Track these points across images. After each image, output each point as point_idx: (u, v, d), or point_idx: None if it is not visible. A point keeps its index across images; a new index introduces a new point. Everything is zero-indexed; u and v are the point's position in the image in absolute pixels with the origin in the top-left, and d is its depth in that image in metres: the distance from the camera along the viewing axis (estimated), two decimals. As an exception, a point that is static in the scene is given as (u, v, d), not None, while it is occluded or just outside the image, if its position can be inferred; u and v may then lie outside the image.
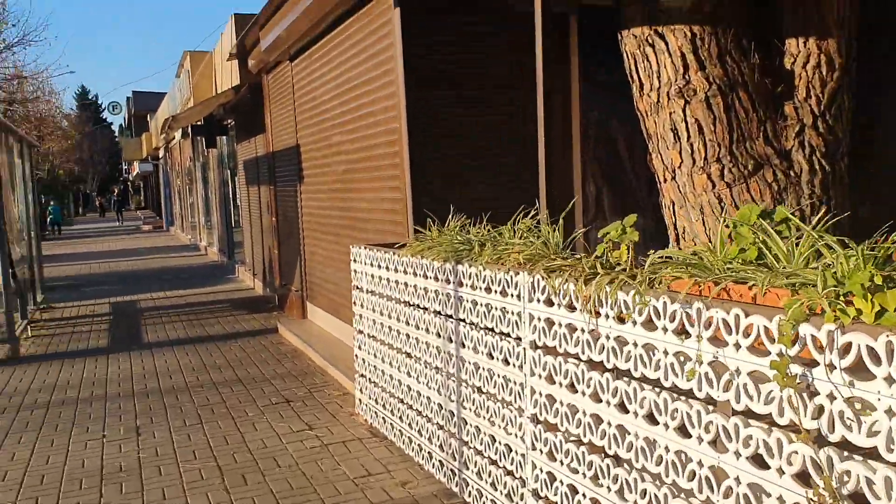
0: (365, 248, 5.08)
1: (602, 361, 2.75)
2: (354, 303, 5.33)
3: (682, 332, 2.40)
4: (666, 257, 2.69)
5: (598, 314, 2.75)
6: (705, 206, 4.63)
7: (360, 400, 5.41)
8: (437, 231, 4.33)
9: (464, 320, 3.76)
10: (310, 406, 5.83)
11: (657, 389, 2.51)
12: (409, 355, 4.46)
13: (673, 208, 4.80)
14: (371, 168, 6.34)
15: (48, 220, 34.18)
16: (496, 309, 3.43)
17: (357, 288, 5.26)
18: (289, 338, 8.38)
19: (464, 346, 3.78)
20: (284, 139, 9.46)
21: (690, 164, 4.58)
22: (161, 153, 34.34)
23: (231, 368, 7.20)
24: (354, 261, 5.27)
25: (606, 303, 2.69)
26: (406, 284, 4.41)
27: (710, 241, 4.88)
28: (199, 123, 13.52)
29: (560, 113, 5.02)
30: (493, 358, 3.50)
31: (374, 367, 5.03)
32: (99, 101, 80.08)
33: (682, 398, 2.41)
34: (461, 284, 3.77)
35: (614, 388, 2.70)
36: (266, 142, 10.52)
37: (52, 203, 35.19)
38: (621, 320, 2.65)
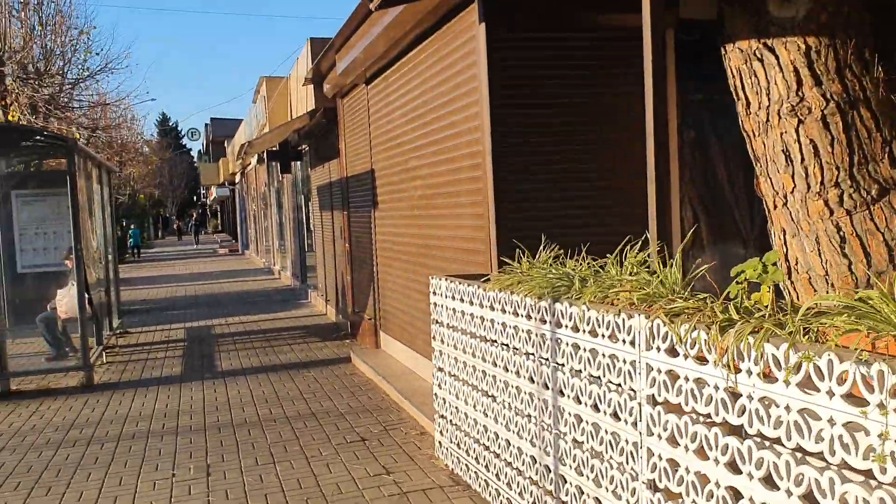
0: (446, 279, 4.73)
1: (742, 425, 2.31)
2: (434, 337, 4.98)
3: (851, 398, 1.95)
4: (816, 303, 2.25)
5: (737, 369, 2.31)
6: (821, 234, 4.11)
7: (440, 443, 5.04)
8: (527, 263, 3.95)
9: (562, 365, 3.36)
10: (386, 446, 5.48)
11: (820, 465, 2.06)
12: (496, 399, 4.07)
13: (784, 237, 4.29)
14: (450, 194, 6.02)
15: (129, 243, 35.26)
16: (604, 356, 3.01)
17: (437, 322, 4.92)
18: (362, 368, 8.09)
19: (562, 394, 3.37)
20: (358, 164, 9.27)
21: (805, 189, 4.08)
22: (237, 178, 35.05)
23: (304, 401, 6.94)
24: (434, 293, 4.93)
25: (749, 356, 2.25)
26: (493, 322, 4.04)
27: (827, 274, 4.36)
28: (274, 149, 13.54)
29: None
30: (598, 410, 3.08)
31: (456, 408, 4.65)
32: (179, 128, 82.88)
33: (858, 481, 1.94)
34: (559, 325, 3.37)
35: (759, 458, 2.25)
36: (340, 167, 10.36)
37: (132, 227, 36.29)
38: (767, 378, 2.21)
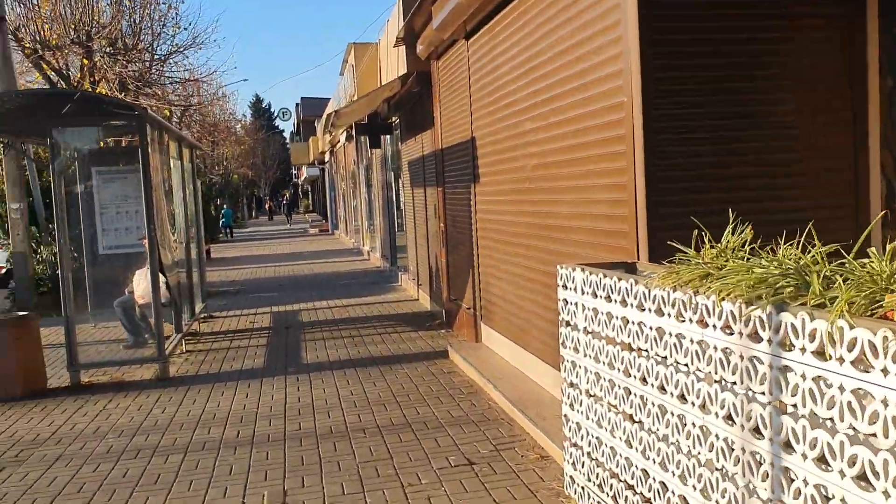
0: (582, 269, 3.61)
1: None
2: (563, 344, 3.88)
3: None
4: None
5: None
6: None
7: (571, 477, 3.96)
8: (711, 251, 2.80)
9: (793, 407, 2.21)
10: (499, 473, 4.44)
11: None
12: (665, 440, 2.95)
13: None
14: (577, 162, 4.87)
15: (221, 223, 35.52)
16: (888, 402, 1.85)
17: (568, 325, 3.81)
18: (462, 366, 7.08)
19: (790, 448, 2.23)
20: (455, 133, 8.21)
21: None
22: (326, 157, 34.71)
23: (397, 405, 5.99)
24: (564, 286, 3.83)
25: None
26: (661, 331, 2.91)
27: None
28: (362, 122, 12.65)
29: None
30: (869, 486, 1.92)
31: (598, 439, 3.55)
32: (271, 109, 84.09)
33: None
34: (786, 345, 2.22)
35: None
36: (433, 137, 9.34)
37: (225, 206, 36.55)
38: None
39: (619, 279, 3.24)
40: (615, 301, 3.28)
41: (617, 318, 3.27)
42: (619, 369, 3.29)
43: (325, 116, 28.08)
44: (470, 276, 7.94)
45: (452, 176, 8.56)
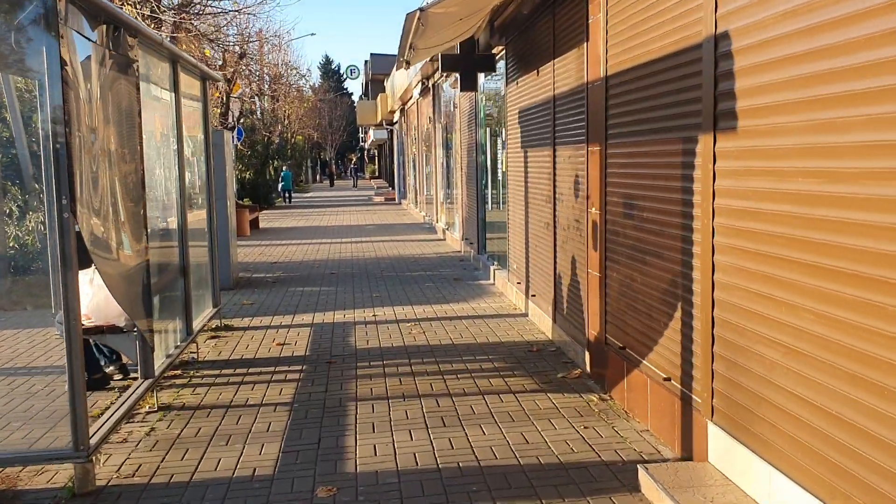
0: None
1: None
2: None
3: None
4: None
5: None
6: None
7: None
8: None
9: None
10: None
11: None
12: None
13: None
14: None
15: (280, 186, 32.40)
16: None
17: None
18: (679, 525, 3.31)
19: None
20: (654, 37, 4.36)
21: None
22: (396, 116, 31.07)
23: None
24: None
25: None
26: None
27: None
28: (452, 54, 8.88)
29: None
30: None
31: None
32: (340, 71, 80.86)
33: None
34: None
35: None
36: (583, 61, 5.52)
37: (284, 169, 33.38)
38: None
39: None
40: None
41: None
42: None
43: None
44: (680, 318, 4.11)
45: (631, 123, 4.72)
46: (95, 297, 5.01)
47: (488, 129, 10.39)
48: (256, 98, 32.55)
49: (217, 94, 21.76)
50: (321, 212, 26.64)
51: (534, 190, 7.48)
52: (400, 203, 30.27)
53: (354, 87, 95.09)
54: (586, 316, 5.68)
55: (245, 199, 25.99)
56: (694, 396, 3.87)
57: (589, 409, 4.93)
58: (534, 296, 7.53)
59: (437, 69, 15.64)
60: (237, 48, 21.97)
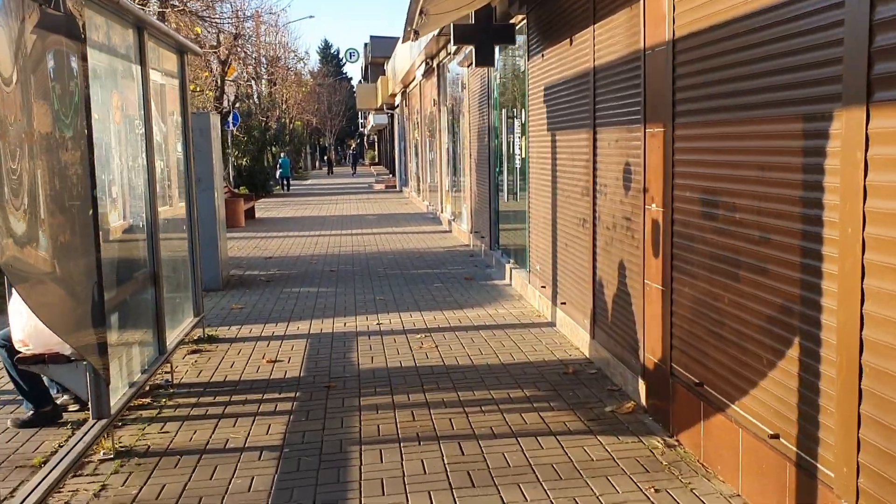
0: None
1: None
2: None
3: None
4: None
5: None
6: None
7: None
8: None
9: None
10: None
11: None
12: None
13: None
14: None
15: (277, 173, 31.33)
16: None
17: None
18: None
19: None
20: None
21: None
22: (397, 100, 29.95)
23: None
24: None
25: None
26: None
27: None
28: (465, 23, 7.80)
29: None
30: None
31: None
32: (339, 56, 79.46)
33: None
34: None
35: None
36: (643, 22, 4.46)
37: (282, 155, 32.30)
38: None
39: None
40: None
41: None
42: None
43: (398, 60, 23.14)
44: (799, 359, 3.08)
45: (717, 97, 3.67)
46: (32, 319, 3.99)
47: (504, 111, 9.32)
48: (253, 82, 31.43)
49: (207, 76, 20.66)
50: (320, 200, 25.58)
51: (565, 180, 6.43)
52: (401, 191, 29.20)
53: (354, 72, 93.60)
54: (641, 336, 4.66)
55: (241, 188, 24.95)
56: (821, 467, 2.84)
57: (654, 461, 3.90)
58: (563, 303, 6.49)
59: (443, 46, 14.54)
60: (231, 28, 20.86)
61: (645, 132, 4.47)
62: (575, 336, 6.19)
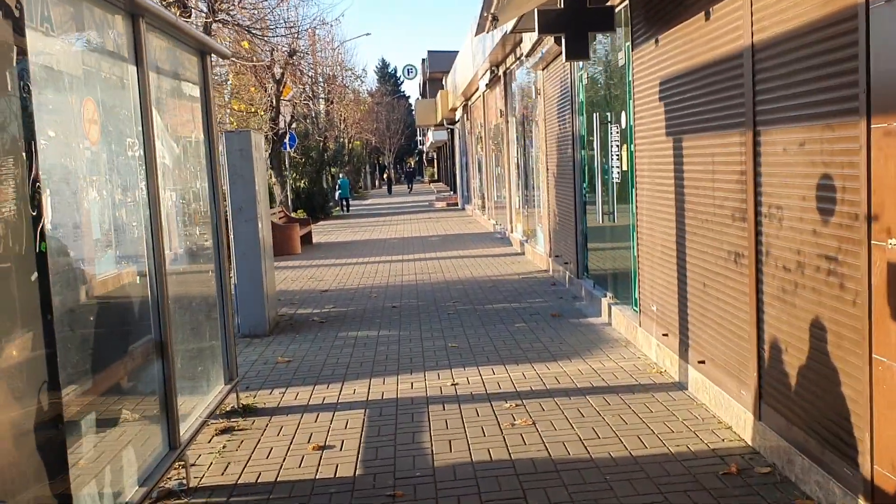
0: None
1: None
2: None
3: None
4: None
5: None
6: None
7: None
8: None
9: None
10: None
11: None
12: None
13: None
14: None
15: (337, 194, 30.36)
16: None
17: None
18: None
19: None
20: None
21: None
22: (458, 114, 28.65)
23: None
24: None
25: None
26: None
27: None
28: (553, 9, 6.32)
29: None
30: None
31: None
32: (396, 74, 79.02)
33: None
34: None
35: None
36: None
37: (341, 176, 31.29)
38: None
39: None
40: None
41: None
42: None
43: (458, 78, 21.67)
44: None
45: None
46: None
47: (594, 116, 7.79)
48: (310, 101, 30.59)
49: (262, 96, 19.70)
50: (380, 221, 24.38)
51: (698, 198, 4.87)
52: (464, 209, 27.81)
53: (411, 89, 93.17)
54: (865, 436, 3.07)
55: (299, 211, 23.95)
56: None
57: None
58: (702, 362, 4.90)
59: (511, 51, 13.07)
60: (285, 44, 19.85)
61: (869, 129, 2.91)
62: (722, 409, 4.60)
